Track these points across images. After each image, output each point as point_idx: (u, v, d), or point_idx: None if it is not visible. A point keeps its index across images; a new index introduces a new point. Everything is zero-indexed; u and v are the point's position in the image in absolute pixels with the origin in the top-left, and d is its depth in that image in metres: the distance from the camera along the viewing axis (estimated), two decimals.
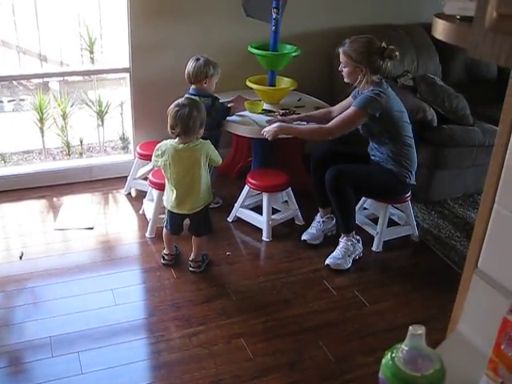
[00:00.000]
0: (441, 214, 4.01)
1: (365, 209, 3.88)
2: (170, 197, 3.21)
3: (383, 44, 3.24)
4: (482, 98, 4.26)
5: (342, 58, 3.28)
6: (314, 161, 3.53)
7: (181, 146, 3.09)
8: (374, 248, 3.60)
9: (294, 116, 3.71)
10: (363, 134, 3.43)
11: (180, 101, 3.11)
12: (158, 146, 3.17)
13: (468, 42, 0.84)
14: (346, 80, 3.35)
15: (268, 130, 3.44)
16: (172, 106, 3.08)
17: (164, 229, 3.35)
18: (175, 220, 3.29)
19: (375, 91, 3.22)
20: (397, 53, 3.22)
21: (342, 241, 3.43)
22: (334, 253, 3.42)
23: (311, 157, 3.56)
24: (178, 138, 3.09)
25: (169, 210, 3.26)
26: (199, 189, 3.16)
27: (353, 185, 3.30)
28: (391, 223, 3.71)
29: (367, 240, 3.59)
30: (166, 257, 3.38)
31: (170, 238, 3.37)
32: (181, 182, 3.14)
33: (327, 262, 3.40)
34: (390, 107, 3.24)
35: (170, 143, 3.12)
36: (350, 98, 3.49)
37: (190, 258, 3.35)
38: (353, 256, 3.44)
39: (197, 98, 3.41)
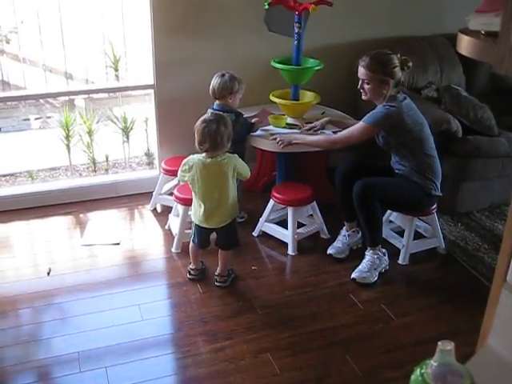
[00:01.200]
0: (467, 225, 3.97)
1: (390, 221, 3.85)
2: (197, 211, 3.21)
3: (398, 55, 3.27)
4: (507, 107, 4.23)
5: (365, 74, 3.26)
6: (340, 175, 3.52)
7: (209, 160, 3.09)
8: (400, 261, 3.57)
9: (325, 120, 3.74)
10: (382, 148, 3.42)
11: (206, 117, 3.12)
12: (185, 160, 3.18)
13: (493, 58, 0.83)
14: (366, 97, 3.33)
15: (282, 139, 3.54)
16: (199, 122, 3.09)
17: (191, 243, 3.36)
18: (202, 234, 3.29)
19: (386, 106, 3.23)
20: (410, 63, 3.27)
21: (368, 254, 3.41)
22: (360, 266, 3.41)
23: (336, 171, 3.56)
24: (205, 153, 3.10)
25: (196, 225, 3.26)
26: (227, 203, 3.17)
27: (380, 198, 3.29)
28: (417, 236, 3.68)
29: (393, 253, 3.57)
30: (192, 272, 3.39)
31: (197, 253, 3.38)
32: (209, 197, 3.14)
33: (353, 275, 3.38)
34: (403, 121, 3.23)
35: (197, 158, 3.13)
36: None
37: (216, 273, 3.35)
38: (379, 269, 3.42)
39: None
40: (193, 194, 3.22)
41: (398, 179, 3.42)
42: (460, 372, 1.05)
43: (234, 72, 3.63)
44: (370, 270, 3.38)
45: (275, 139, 3.59)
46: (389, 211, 3.77)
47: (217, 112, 3.33)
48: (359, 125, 3.31)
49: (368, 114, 3.30)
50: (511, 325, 1.31)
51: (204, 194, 3.14)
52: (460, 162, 3.90)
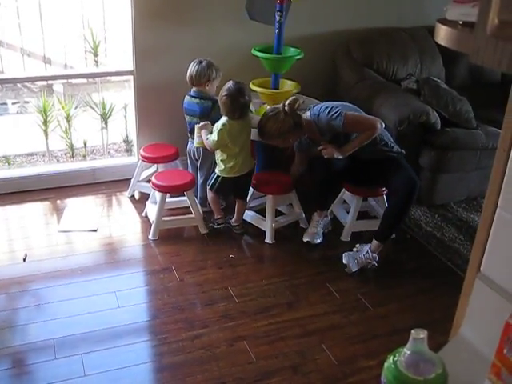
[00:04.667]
0: (444, 217, 4.01)
1: (344, 202, 3.93)
2: (230, 165, 3.54)
3: (280, 107, 3.34)
4: (486, 101, 4.24)
5: None
6: (319, 184, 3.57)
7: (240, 120, 3.46)
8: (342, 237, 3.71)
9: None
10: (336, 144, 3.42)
11: (230, 87, 3.39)
12: (221, 128, 3.41)
13: (470, 48, 0.84)
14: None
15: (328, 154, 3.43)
16: (223, 96, 3.38)
17: (211, 194, 3.68)
18: (228, 185, 3.61)
19: (324, 113, 3.32)
20: (297, 102, 3.33)
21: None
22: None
23: (315, 181, 3.60)
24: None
25: (225, 179, 3.57)
26: (249, 151, 3.64)
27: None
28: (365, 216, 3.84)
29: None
30: (219, 221, 3.69)
31: (217, 201, 3.72)
32: (245, 147, 3.55)
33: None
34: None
35: (229, 121, 3.43)
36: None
37: (234, 223, 3.73)
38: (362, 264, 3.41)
39: (197, 100, 3.47)
40: (222, 154, 3.53)
41: (391, 165, 3.40)
42: (432, 360, 1.06)
43: (214, 59, 3.63)
44: (359, 263, 3.40)
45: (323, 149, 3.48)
46: (343, 190, 3.82)
47: (236, 81, 3.46)
48: (345, 120, 3.25)
49: (335, 119, 3.27)
50: (483, 314, 1.32)
51: (241, 146, 3.51)
52: (438, 154, 3.92)
